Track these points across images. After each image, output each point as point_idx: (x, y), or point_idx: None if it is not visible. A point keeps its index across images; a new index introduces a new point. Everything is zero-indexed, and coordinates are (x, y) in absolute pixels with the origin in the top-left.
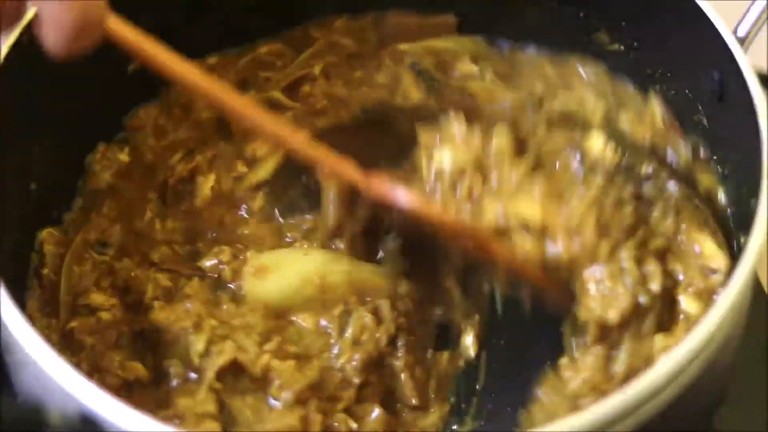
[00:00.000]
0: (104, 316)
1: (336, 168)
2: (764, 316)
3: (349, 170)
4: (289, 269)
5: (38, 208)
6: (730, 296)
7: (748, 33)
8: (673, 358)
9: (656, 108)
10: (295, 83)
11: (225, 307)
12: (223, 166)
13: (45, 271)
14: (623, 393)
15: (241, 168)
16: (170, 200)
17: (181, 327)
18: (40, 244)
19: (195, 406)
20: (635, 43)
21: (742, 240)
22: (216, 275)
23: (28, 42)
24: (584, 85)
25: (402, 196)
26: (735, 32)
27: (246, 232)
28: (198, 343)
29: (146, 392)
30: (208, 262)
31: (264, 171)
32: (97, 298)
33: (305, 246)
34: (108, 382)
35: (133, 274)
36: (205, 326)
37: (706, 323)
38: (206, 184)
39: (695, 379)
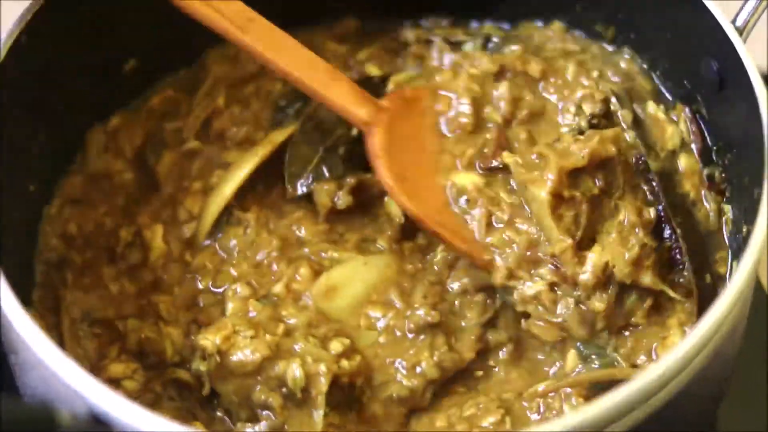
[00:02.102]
0: (129, 385)
1: None
2: (764, 316)
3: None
4: (355, 283)
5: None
6: (737, 284)
7: (747, 22)
8: (682, 347)
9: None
10: (204, 124)
11: (256, 314)
12: (169, 223)
13: None
14: (632, 382)
15: (187, 226)
16: (120, 263)
17: (252, 361)
18: None
19: None
20: (632, 35)
21: (745, 229)
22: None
23: (27, 42)
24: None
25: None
26: (734, 22)
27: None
28: (292, 371)
29: None
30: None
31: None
32: (116, 368)
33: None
34: None
35: (143, 335)
36: (282, 352)
37: (714, 312)
38: (156, 237)
39: (703, 369)
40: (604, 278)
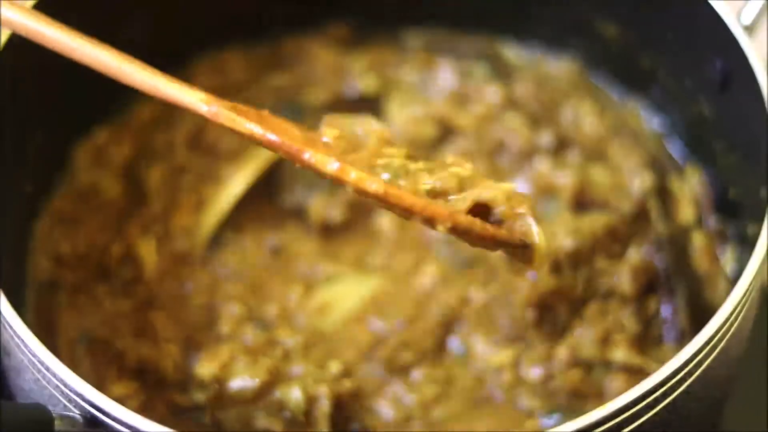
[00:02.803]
0: (131, 405)
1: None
2: (766, 315)
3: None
4: (348, 299)
5: None
6: (744, 285)
7: (753, 20)
8: (689, 350)
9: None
10: (196, 135)
11: (250, 336)
12: (159, 234)
13: None
14: (637, 387)
15: (180, 241)
16: (114, 280)
17: (252, 387)
18: None
19: None
20: (636, 33)
21: (749, 231)
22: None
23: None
24: None
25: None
26: (739, 19)
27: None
28: (293, 395)
29: None
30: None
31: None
32: (117, 389)
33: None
34: None
35: (141, 354)
36: (281, 376)
37: (721, 312)
38: (148, 252)
39: (708, 371)
40: (574, 359)
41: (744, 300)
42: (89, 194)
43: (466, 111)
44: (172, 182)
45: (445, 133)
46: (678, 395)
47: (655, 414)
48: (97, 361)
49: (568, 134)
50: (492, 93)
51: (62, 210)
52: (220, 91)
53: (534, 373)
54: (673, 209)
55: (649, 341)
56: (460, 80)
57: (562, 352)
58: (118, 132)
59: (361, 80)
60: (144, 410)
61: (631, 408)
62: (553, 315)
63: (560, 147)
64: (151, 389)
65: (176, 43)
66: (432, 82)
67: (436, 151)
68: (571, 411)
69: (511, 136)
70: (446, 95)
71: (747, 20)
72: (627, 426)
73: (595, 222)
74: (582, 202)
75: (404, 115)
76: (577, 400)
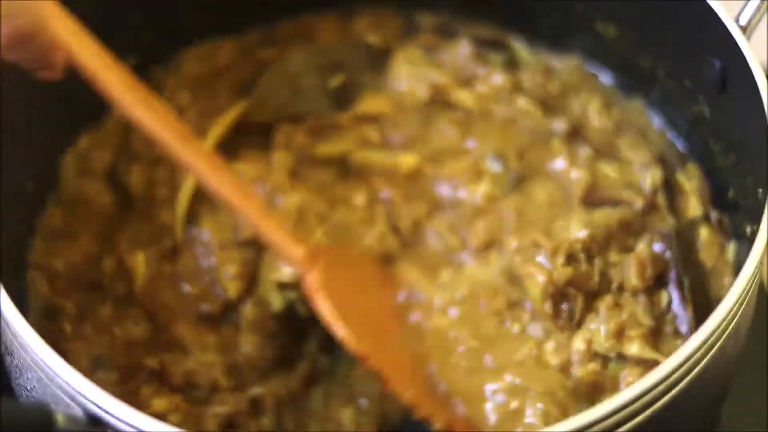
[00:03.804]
0: (173, 418)
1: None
2: (765, 315)
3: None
4: None
5: None
6: (741, 283)
7: (750, 21)
8: (686, 349)
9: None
10: None
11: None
12: (148, 242)
13: None
14: (636, 385)
15: (167, 238)
16: (108, 296)
17: None
18: None
19: None
20: (636, 34)
21: (748, 230)
22: None
23: None
24: None
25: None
26: (737, 20)
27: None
28: None
29: None
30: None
31: None
32: (158, 404)
33: None
34: None
35: (185, 367)
36: None
37: (719, 312)
38: (138, 262)
39: (706, 369)
40: (590, 353)
41: (742, 299)
42: (78, 205)
43: (468, 88)
44: (151, 177)
45: (439, 102)
46: (676, 393)
47: (653, 412)
48: (126, 380)
49: (579, 125)
50: (499, 79)
51: (53, 224)
52: (208, 73)
53: (554, 362)
54: (682, 203)
55: (663, 336)
56: (472, 60)
57: (579, 344)
58: (100, 138)
59: (367, 37)
60: (185, 423)
61: (630, 405)
62: (569, 305)
63: (573, 136)
64: (194, 404)
65: (168, 35)
66: (446, 52)
67: (430, 119)
68: (591, 403)
69: (524, 117)
70: (455, 68)
71: (745, 21)
72: (625, 424)
73: (608, 216)
74: (593, 197)
75: (409, 70)
76: (597, 394)
